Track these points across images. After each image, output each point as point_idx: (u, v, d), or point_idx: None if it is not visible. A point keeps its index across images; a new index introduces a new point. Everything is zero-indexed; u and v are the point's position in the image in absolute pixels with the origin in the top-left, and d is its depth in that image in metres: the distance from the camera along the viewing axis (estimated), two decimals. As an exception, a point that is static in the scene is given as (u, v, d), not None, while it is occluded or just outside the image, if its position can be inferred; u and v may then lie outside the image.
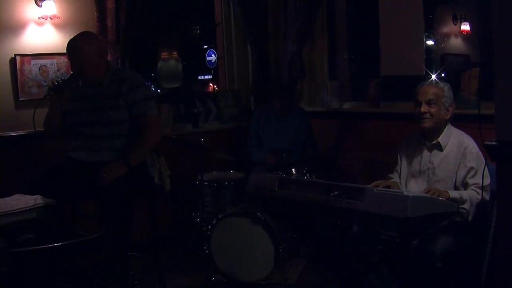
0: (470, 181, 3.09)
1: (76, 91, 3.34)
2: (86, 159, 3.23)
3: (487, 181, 2.98)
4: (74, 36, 3.33)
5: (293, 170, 4.18)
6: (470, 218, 2.99)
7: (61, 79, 3.29)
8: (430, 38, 6.90)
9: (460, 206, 2.98)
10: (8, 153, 4.11)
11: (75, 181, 3.12)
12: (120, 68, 3.66)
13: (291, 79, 5.15)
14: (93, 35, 3.52)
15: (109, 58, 4.09)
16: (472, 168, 3.09)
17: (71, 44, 3.27)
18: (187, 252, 4.54)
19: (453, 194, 3.01)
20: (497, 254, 2.38)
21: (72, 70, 3.30)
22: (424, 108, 3.17)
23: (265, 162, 4.55)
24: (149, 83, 13.01)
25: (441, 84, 3.21)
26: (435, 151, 3.22)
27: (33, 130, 3.18)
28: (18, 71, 4.29)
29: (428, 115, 3.17)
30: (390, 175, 3.48)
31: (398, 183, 3.38)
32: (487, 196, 3.01)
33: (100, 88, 3.29)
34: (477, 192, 3.03)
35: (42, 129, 3.35)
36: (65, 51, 4.33)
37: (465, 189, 3.10)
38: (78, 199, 3.32)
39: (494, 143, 2.18)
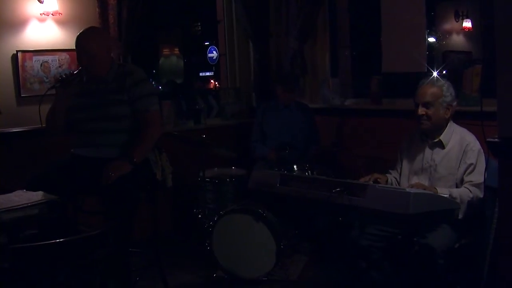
0: (465, 178, 3.09)
1: (80, 87, 3.33)
2: (89, 155, 3.24)
3: (481, 178, 2.98)
4: (83, 31, 3.31)
5: (295, 166, 4.19)
6: (460, 216, 2.97)
7: (69, 72, 3.29)
8: (432, 35, 6.91)
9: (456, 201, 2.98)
10: (10, 149, 4.12)
11: (78, 177, 3.12)
12: (123, 63, 3.65)
13: (294, 72, 5.18)
14: (102, 30, 3.55)
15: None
16: (471, 164, 3.09)
17: (80, 39, 3.26)
18: (188, 248, 4.55)
19: (442, 191, 3.00)
20: (499, 250, 2.38)
21: (80, 65, 3.29)
22: (421, 111, 3.16)
23: (267, 158, 4.56)
24: (151, 79, 12.99)
25: (441, 83, 3.17)
26: (437, 149, 3.22)
27: (40, 125, 3.23)
28: (20, 68, 4.30)
29: (425, 118, 3.15)
30: (390, 171, 3.49)
31: (391, 178, 3.39)
32: (480, 194, 3.00)
33: (104, 84, 3.29)
34: (470, 190, 3.03)
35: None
36: (67, 48, 4.43)
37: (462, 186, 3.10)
38: (81, 195, 3.32)
39: (496, 139, 2.18)
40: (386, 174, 3.43)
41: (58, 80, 3.20)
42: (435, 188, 3.03)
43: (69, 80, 3.20)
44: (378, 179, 3.24)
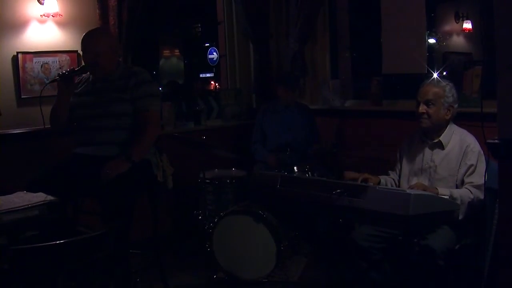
0: (466, 179, 3.09)
1: (85, 85, 3.40)
2: (90, 153, 3.25)
3: (482, 180, 2.98)
4: (89, 30, 3.40)
5: (295, 168, 4.19)
6: (460, 217, 2.98)
7: (70, 68, 3.34)
8: (432, 36, 6.91)
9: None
10: (10, 150, 4.12)
11: (78, 179, 3.13)
12: (130, 65, 3.71)
13: (294, 73, 5.18)
14: (108, 30, 3.59)
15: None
16: (471, 165, 3.09)
17: (87, 37, 3.33)
18: (189, 250, 4.54)
19: (442, 191, 3.01)
20: (499, 251, 2.38)
21: (85, 62, 3.35)
22: (422, 109, 3.17)
23: (267, 161, 4.56)
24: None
25: (443, 83, 3.19)
26: (437, 150, 3.22)
27: (42, 126, 3.23)
28: (20, 69, 4.30)
29: (425, 116, 3.16)
30: (390, 171, 3.49)
31: (387, 179, 3.39)
32: (481, 195, 3.00)
33: (109, 83, 3.34)
34: (470, 191, 3.03)
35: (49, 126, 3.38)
36: (67, 49, 4.44)
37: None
38: (81, 196, 3.33)
39: (496, 141, 2.18)
40: (384, 176, 3.43)
41: (59, 75, 3.26)
42: (436, 188, 3.03)
43: (70, 75, 3.27)
44: (369, 179, 3.24)
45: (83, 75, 3.46)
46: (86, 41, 3.32)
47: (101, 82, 3.36)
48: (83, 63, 3.44)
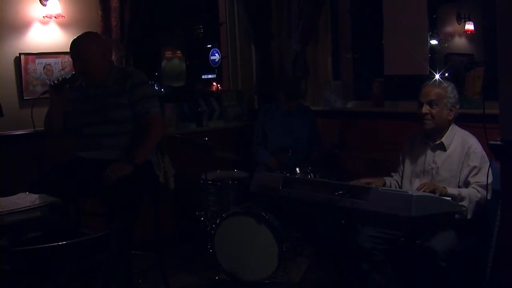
0: (471, 180, 3.09)
1: (79, 92, 3.35)
2: (92, 157, 3.24)
3: (489, 180, 2.98)
4: (77, 36, 3.31)
5: (297, 169, 4.18)
6: (469, 216, 2.98)
7: (61, 77, 3.30)
8: (434, 38, 6.90)
9: (459, 203, 2.98)
10: (12, 151, 4.12)
11: (81, 180, 3.13)
12: (123, 66, 3.65)
13: (296, 74, 5.17)
14: (97, 35, 3.52)
15: (113, 57, 4.09)
16: (475, 167, 3.09)
17: (74, 44, 3.27)
18: (191, 251, 4.55)
19: (451, 190, 3.01)
20: (501, 252, 2.38)
21: (75, 70, 3.29)
22: (425, 109, 3.17)
23: (268, 164, 4.56)
24: (152, 82, 13.02)
25: (445, 84, 3.20)
26: (439, 151, 3.22)
27: (33, 129, 3.21)
28: (23, 70, 4.31)
29: (429, 116, 3.17)
30: (392, 173, 3.49)
31: (391, 181, 3.39)
32: (488, 195, 3.00)
33: (104, 88, 3.29)
34: (478, 190, 3.03)
35: (42, 128, 3.38)
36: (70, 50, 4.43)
37: (467, 187, 3.09)
38: (84, 197, 3.33)
39: (498, 142, 2.18)
40: (388, 177, 3.43)
41: (50, 86, 3.24)
42: (444, 187, 3.02)
43: (61, 85, 3.23)
44: (373, 182, 3.23)
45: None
46: (74, 48, 3.25)
47: (95, 88, 3.31)
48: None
